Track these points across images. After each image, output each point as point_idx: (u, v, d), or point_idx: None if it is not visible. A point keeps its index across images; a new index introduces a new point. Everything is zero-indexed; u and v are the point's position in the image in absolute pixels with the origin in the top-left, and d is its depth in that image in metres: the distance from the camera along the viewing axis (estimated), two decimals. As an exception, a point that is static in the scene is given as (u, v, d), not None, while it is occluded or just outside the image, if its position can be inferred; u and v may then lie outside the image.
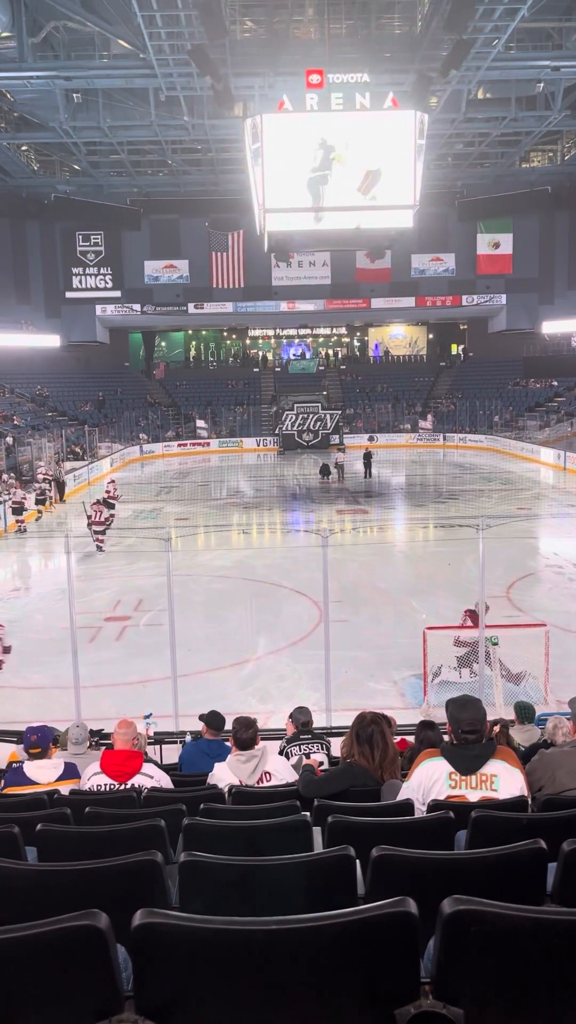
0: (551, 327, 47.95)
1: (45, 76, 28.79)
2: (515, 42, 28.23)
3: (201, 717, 6.54)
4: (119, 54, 28.82)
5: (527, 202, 45.93)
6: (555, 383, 46.25)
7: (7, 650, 11.29)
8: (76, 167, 42.03)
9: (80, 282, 48.01)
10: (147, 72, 28.65)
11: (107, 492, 23.67)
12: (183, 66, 27.74)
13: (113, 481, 25.84)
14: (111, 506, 22.31)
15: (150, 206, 46.68)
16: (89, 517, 19.97)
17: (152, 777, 4.95)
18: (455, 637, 10.42)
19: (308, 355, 55.63)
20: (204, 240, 47.71)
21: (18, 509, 22.94)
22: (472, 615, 10.50)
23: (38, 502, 25.45)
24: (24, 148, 40.09)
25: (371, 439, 43.43)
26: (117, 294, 48.20)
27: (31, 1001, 1.74)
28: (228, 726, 5.89)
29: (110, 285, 48.15)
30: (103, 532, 20.09)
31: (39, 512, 25.14)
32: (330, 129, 22.96)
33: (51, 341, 46.93)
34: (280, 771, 5.04)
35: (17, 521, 22.93)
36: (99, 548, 19.72)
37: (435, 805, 3.50)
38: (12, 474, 27.07)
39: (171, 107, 32.41)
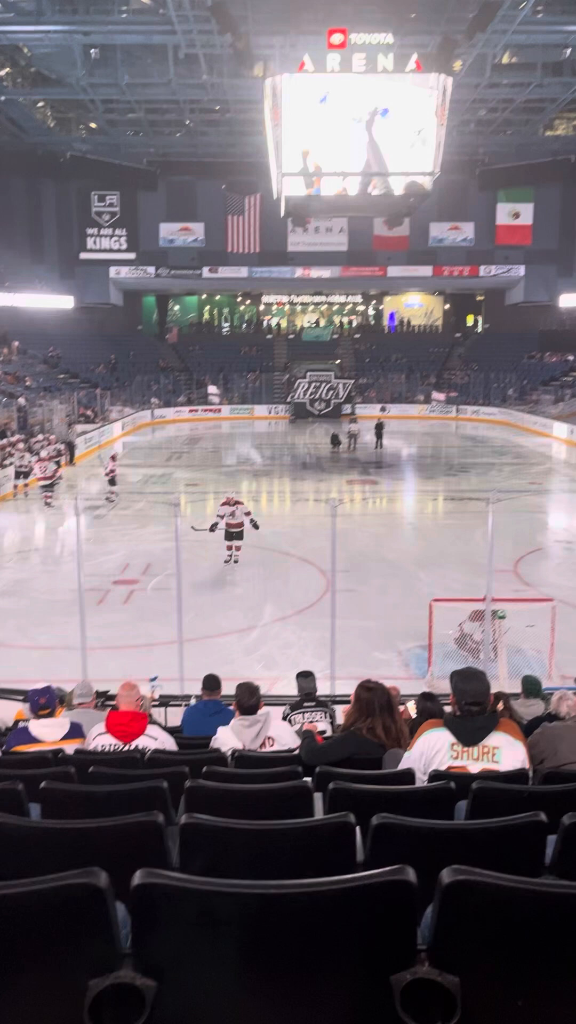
0: (569, 300, 47.27)
1: (63, 30, 28.32)
2: (543, 5, 27.53)
3: None
4: (138, 9, 28.31)
5: (549, 171, 45.03)
6: (571, 357, 45.74)
7: None
8: (93, 125, 41.42)
9: (95, 243, 47.48)
10: (166, 28, 28.14)
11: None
12: (203, 23, 27.22)
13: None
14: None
15: (167, 167, 45.99)
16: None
17: (156, 739, 4.98)
18: (460, 626, 10.39)
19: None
20: (220, 203, 47.06)
21: (24, 473, 22.85)
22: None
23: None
24: (40, 104, 39.40)
25: (383, 410, 43.10)
26: (131, 256, 47.65)
27: (30, 956, 1.76)
28: (227, 690, 5.92)
29: (125, 247, 47.60)
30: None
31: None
32: (352, 91, 22.47)
33: (65, 302, 46.60)
34: (283, 737, 5.08)
35: (24, 486, 22.84)
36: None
37: (436, 775, 3.51)
38: (23, 436, 26.88)
39: (190, 65, 31.84)
